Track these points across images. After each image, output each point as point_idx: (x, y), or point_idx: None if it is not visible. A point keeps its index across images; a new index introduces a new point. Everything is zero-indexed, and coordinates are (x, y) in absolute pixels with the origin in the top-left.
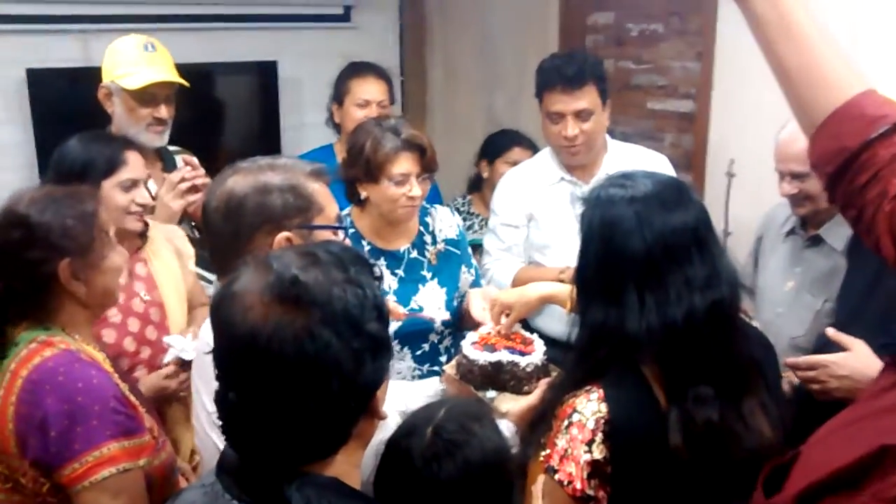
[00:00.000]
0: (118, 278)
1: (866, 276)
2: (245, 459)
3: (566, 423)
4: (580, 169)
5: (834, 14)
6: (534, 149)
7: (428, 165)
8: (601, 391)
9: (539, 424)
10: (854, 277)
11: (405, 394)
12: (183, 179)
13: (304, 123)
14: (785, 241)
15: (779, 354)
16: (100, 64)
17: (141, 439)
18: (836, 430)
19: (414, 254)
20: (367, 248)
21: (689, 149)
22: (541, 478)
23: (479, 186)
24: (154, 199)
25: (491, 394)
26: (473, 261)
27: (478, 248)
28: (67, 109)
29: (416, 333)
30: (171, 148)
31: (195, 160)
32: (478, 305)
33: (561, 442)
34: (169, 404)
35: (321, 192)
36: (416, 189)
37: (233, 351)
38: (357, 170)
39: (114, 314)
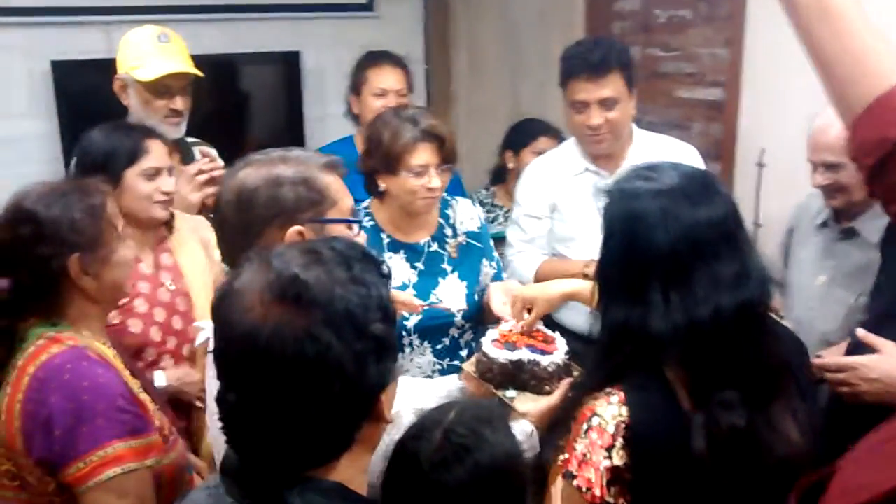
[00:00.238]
0: (127, 272)
1: None
2: (246, 462)
3: (585, 426)
4: (605, 159)
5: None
6: (560, 138)
7: (447, 156)
8: (622, 394)
9: (558, 426)
10: (889, 272)
11: (422, 392)
12: (200, 171)
13: (328, 114)
14: (817, 234)
15: (810, 351)
16: None
17: (148, 438)
18: (878, 447)
19: (434, 247)
20: (386, 240)
21: (718, 138)
22: (559, 479)
23: (502, 177)
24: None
25: (511, 393)
26: (496, 253)
27: (501, 240)
28: (92, 101)
29: (436, 328)
30: (189, 140)
31: (213, 152)
32: (498, 300)
33: (580, 446)
34: (197, 399)
35: (335, 184)
36: (435, 180)
37: (232, 351)
38: (375, 161)
39: (140, 304)
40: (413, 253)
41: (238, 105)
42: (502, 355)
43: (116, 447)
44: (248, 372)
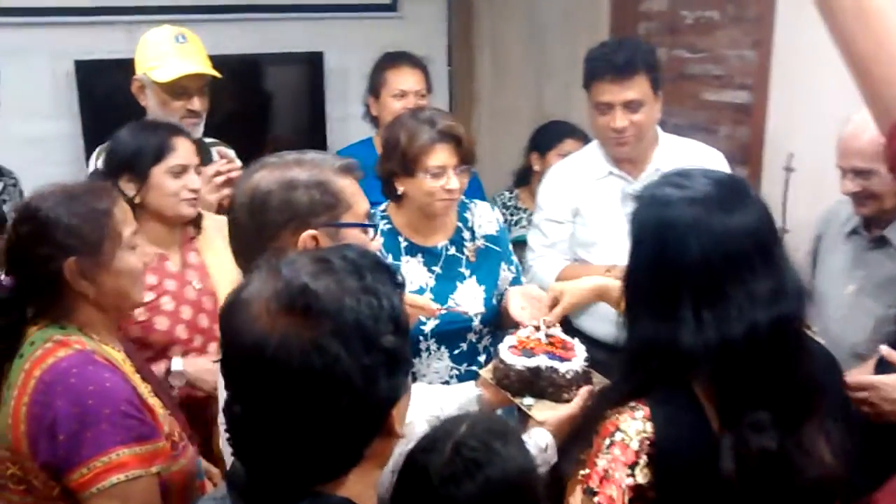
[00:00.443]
0: (134, 281)
1: None
2: (252, 475)
3: (608, 441)
4: (629, 163)
5: None
6: (586, 140)
7: (465, 157)
8: (647, 409)
9: (579, 438)
10: None
11: (439, 398)
12: (218, 173)
13: (350, 115)
14: (846, 242)
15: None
16: None
17: (155, 445)
18: None
19: (452, 250)
20: (403, 244)
21: (745, 142)
22: (578, 492)
23: (526, 180)
24: None
25: (528, 401)
26: (514, 257)
27: (524, 244)
28: (114, 101)
29: (453, 332)
30: (207, 140)
31: (231, 153)
32: (516, 304)
33: (602, 462)
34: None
35: (350, 188)
36: (453, 181)
37: (238, 360)
38: (393, 164)
39: (167, 301)
40: (430, 256)
41: (260, 105)
42: (520, 362)
43: (121, 453)
44: (254, 383)
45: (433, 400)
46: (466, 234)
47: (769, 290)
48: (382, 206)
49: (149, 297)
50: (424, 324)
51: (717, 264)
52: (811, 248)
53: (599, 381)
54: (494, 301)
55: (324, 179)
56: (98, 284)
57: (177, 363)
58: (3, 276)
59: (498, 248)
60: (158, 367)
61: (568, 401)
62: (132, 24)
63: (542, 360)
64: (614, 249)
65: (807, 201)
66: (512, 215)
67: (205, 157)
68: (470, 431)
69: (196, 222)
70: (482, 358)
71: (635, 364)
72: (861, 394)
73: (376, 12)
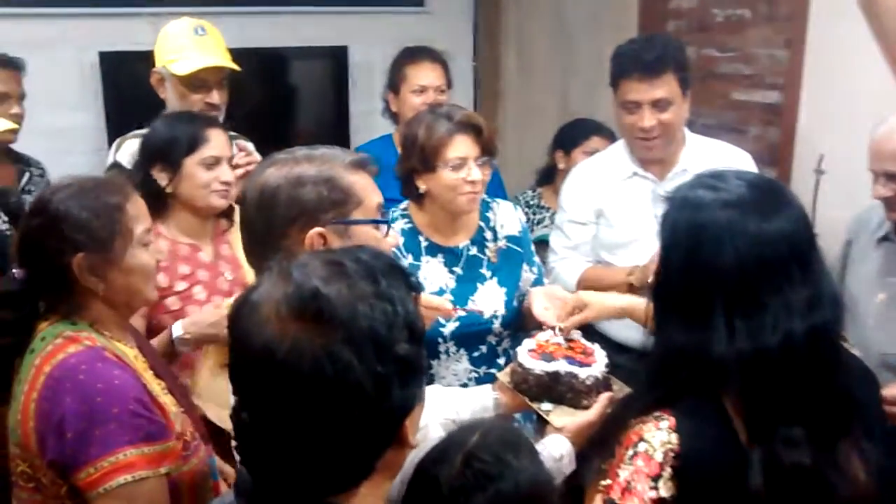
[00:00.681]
0: (146, 278)
1: None
2: (258, 484)
3: (631, 452)
4: (656, 164)
5: None
6: (613, 138)
7: (486, 147)
8: (672, 419)
9: (600, 447)
10: None
11: (454, 401)
12: (237, 166)
13: (374, 110)
14: (877, 248)
15: None
16: None
17: (164, 445)
18: None
19: (473, 251)
20: (423, 243)
21: (774, 143)
22: (599, 502)
23: (550, 178)
24: None
25: (546, 406)
26: (536, 258)
27: (547, 243)
28: (139, 92)
29: (473, 335)
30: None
31: (250, 146)
32: (540, 304)
33: (624, 473)
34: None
35: (360, 183)
36: (475, 172)
37: (247, 366)
38: (412, 161)
39: (199, 291)
40: (451, 257)
41: (284, 99)
42: (538, 366)
43: (128, 453)
44: (263, 389)
45: (449, 403)
46: (488, 234)
47: (806, 298)
48: (403, 205)
49: (182, 286)
50: (444, 326)
51: (752, 270)
52: (841, 254)
53: (619, 387)
54: (515, 303)
55: (332, 175)
56: (108, 281)
57: (177, 328)
58: (15, 270)
59: (520, 249)
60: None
61: (587, 407)
62: (157, 16)
63: (561, 365)
64: (638, 252)
65: (837, 205)
66: (535, 214)
67: None
68: (482, 442)
69: (228, 214)
70: (502, 361)
71: (662, 373)
72: (893, 408)
73: (402, 7)
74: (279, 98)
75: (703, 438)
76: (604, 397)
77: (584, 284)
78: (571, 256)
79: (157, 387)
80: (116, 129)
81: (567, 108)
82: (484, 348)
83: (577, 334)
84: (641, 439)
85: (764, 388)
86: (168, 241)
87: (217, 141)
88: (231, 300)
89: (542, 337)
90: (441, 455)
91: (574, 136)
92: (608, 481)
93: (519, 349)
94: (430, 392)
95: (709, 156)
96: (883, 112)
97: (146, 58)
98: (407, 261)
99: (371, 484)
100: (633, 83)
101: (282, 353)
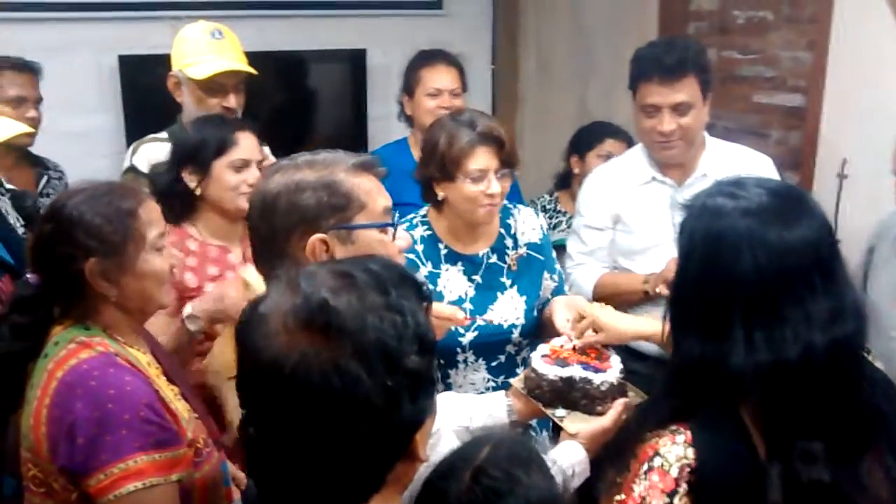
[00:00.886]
0: (159, 283)
1: None
2: (266, 498)
3: (646, 466)
4: (675, 168)
5: None
6: (629, 141)
7: (507, 160)
8: (688, 433)
9: (614, 460)
10: None
11: (468, 408)
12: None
13: (393, 113)
14: None
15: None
16: None
17: (176, 452)
18: None
19: (493, 258)
20: (443, 251)
21: (796, 147)
22: None
23: (567, 182)
24: None
25: (560, 412)
26: (558, 266)
27: (562, 248)
28: (157, 95)
29: (491, 344)
30: None
31: (266, 150)
32: (562, 316)
33: (638, 488)
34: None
35: (364, 186)
36: (494, 185)
37: (254, 379)
38: (432, 168)
39: None
40: (471, 265)
41: (301, 102)
42: (552, 371)
43: (139, 460)
44: (270, 403)
45: (462, 409)
46: (509, 242)
47: (828, 310)
48: (423, 212)
49: (211, 287)
50: (462, 335)
51: (773, 281)
52: (863, 261)
53: (635, 394)
54: (535, 312)
55: (333, 180)
56: (121, 286)
57: (186, 309)
58: (29, 274)
59: (541, 257)
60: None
61: (601, 413)
62: (176, 20)
63: (575, 371)
64: (656, 258)
65: (860, 210)
66: (551, 219)
67: None
68: (491, 457)
69: None
70: (520, 370)
71: (679, 384)
72: None
73: (420, 10)
74: (296, 102)
75: (720, 453)
76: (619, 403)
77: (600, 290)
78: (588, 262)
79: (169, 392)
80: (135, 132)
81: (585, 110)
82: (503, 358)
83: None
84: (657, 454)
85: (783, 402)
86: (197, 243)
87: (246, 144)
88: (237, 273)
89: (556, 342)
90: (449, 470)
91: (589, 139)
92: (622, 496)
93: (533, 354)
94: (443, 398)
95: (729, 160)
96: None
97: (165, 61)
98: (427, 269)
99: (381, 498)
100: (652, 86)
101: (289, 367)
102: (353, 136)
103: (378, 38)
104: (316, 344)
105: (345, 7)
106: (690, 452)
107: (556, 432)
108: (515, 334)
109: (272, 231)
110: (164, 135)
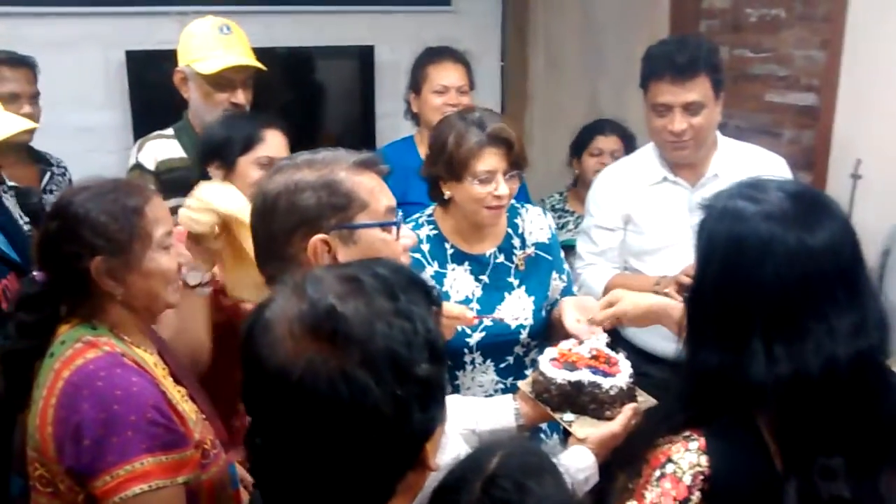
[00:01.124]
0: (166, 282)
1: None
2: None
3: (658, 473)
4: (686, 168)
5: None
6: (622, 134)
7: (516, 161)
8: (702, 440)
9: (626, 464)
10: None
11: (475, 412)
12: None
13: (401, 110)
14: None
15: None
16: None
17: (182, 454)
18: None
19: (500, 258)
20: (449, 251)
21: (809, 146)
22: None
23: (575, 182)
24: None
25: (569, 416)
26: (566, 266)
27: (570, 248)
28: (165, 91)
29: (499, 345)
30: None
31: None
32: (571, 316)
33: (650, 495)
34: None
35: (365, 185)
36: (502, 187)
37: (260, 387)
38: (440, 167)
39: None
40: (478, 265)
41: (309, 99)
42: (561, 375)
43: (145, 462)
44: (277, 412)
45: (469, 413)
46: (516, 242)
47: (851, 322)
48: (429, 211)
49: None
50: (470, 336)
51: (795, 290)
52: (878, 263)
53: (644, 398)
54: (544, 313)
55: (333, 179)
56: (127, 285)
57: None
58: (35, 272)
59: (549, 257)
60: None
61: (610, 418)
62: (184, 15)
63: (584, 375)
64: (668, 259)
65: (875, 211)
66: (559, 218)
67: None
68: (501, 467)
69: None
70: (529, 372)
71: (693, 393)
72: None
73: (429, 6)
74: (304, 98)
75: (735, 461)
76: (628, 408)
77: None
78: (598, 263)
79: (176, 394)
80: (143, 127)
81: (595, 109)
82: (511, 359)
83: (601, 342)
84: (669, 460)
85: (803, 416)
86: None
87: (273, 142)
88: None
89: (564, 345)
90: (459, 481)
91: (581, 140)
92: (634, 502)
93: (541, 358)
94: (450, 402)
95: (741, 160)
96: None
97: (173, 57)
98: (433, 268)
99: None
100: (664, 85)
101: (296, 375)
102: (360, 133)
103: (386, 35)
104: (323, 352)
105: (353, 3)
106: (704, 460)
107: (566, 436)
108: (524, 335)
109: (271, 233)
110: (170, 131)
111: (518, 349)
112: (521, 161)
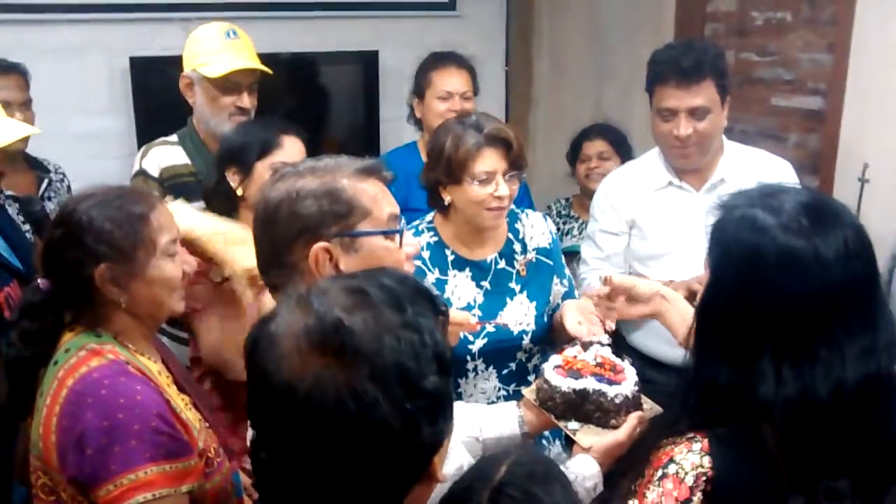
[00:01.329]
0: (171, 290)
1: None
2: None
3: (660, 473)
4: (692, 173)
5: None
6: (605, 135)
7: (515, 162)
8: (706, 441)
9: (628, 465)
10: None
11: (478, 419)
12: None
13: (405, 115)
14: None
15: None
16: None
17: (186, 463)
18: None
19: (502, 264)
20: (450, 257)
21: (816, 150)
22: None
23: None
24: None
25: (573, 425)
26: (567, 271)
27: (574, 254)
28: (169, 98)
29: (501, 351)
30: None
31: None
32: (573, 319)
33: (651, 494)
34: None
35: (368, 192)
36: (502, 188)
37: (267, 403)
38: (439, 171)
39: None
40: (479, 271)
41: (314, 104)
42: (565, 383)
43: (148, 471)
44: (284, 427)
45: (472, 420)
46: (517, 247)
47: (862, 344)
48: (429, 217)
49: None
50: (472, 342)
51: (810, 312)
52: (887, 269)
53: (650, 406)
54: (546, 318)
55: (335, 187)
56: (131, 292)
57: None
58: (40, 280)
59: (550, 262)
60: None
61: (615, 427)
62: (188, 21)
63: (589, 383)
64: (673, 264)
65: (882, 215)
66: (564, 224)
67: None
68: (509, 476)
69: None
70: (532, 378)
71: (697, 405)
72: None
73: (434, 11)
74: (309, 103)
75: (737, 464)
76: (633, 417)
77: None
78: (603, 267)
79: (180, 402)
80: (147, 134)
81: (600, 113)
82: (513, 365)
83: (606, 351)
84: (672, 460)
85: (808, 437)
86: None
87: (291, 148)
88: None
89: (569, 353)
90: (467, 490)
91: (573, 149)
92: (635, 502)
93: (545, 365)
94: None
95: (747, 165)
96: None
97: (177, 63)
98: (434, 275)
99: None
100: (669, 90)
101: (303, 390)
102: (365, 137)
103: (391, 40)
104: (331, 367)
105: (357, 8)
106: (707, 461)
107: (570, 444)
108: (526, 340)
109: (273, 240)
110: (174, 138)
111: (520, 355)
112: (520, 161)
